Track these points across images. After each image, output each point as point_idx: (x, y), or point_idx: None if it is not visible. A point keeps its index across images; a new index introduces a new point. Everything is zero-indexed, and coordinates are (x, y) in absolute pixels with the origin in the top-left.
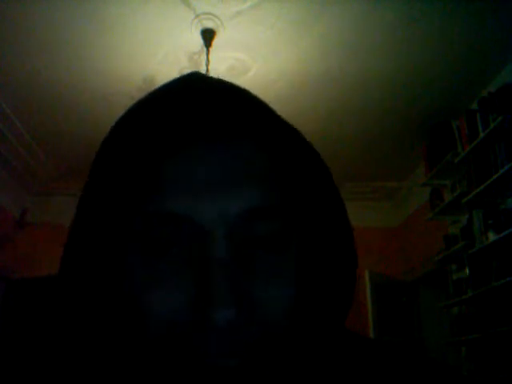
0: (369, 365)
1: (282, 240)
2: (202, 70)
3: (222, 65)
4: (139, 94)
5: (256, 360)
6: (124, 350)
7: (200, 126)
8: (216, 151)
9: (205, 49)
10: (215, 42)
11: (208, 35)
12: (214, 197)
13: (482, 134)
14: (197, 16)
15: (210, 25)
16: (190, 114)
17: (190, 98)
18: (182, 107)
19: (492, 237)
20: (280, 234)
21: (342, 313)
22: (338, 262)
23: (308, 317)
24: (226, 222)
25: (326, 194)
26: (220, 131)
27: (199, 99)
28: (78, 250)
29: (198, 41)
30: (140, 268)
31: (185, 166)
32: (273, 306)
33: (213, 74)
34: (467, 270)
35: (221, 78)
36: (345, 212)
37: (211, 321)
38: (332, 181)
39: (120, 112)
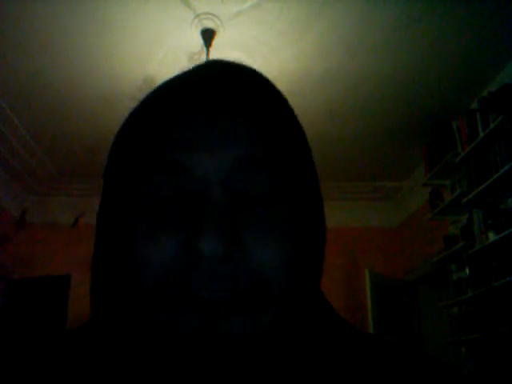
0: (368, 359)
1: (274, 196)
2: None
3: None
4: (139, 94)
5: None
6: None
7: (204, 97)
8: (215, 116)
9: (205, 49)
10: (215, 42)
11: (208, 35)
12: (209, 150)
13: (481, 134)
14: (197, 16)
15: (210, 25)
16: (199, 89)
17: (203, 79)
18: (193, 86)
19: (492, 237)
20: (272, 189)
21: (317, 274)
22: (312, 224)
23: (294, 274)
24: (219, 169)
25: (303, 160)
26: (220, 102)
27: (210, 77)
28: (105, 214)
29: (198, 41)
30: (142, 221)
31: (185, 128)
32: (263, 255)
33: None
34: (467, 270)
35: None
36: (316, 177)
37: (199, 254)
38: (309, 149)
39: (120, 112)
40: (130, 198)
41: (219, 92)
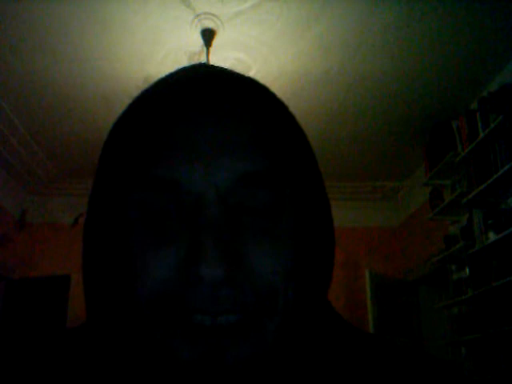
0: (368, 358)
1: (274, 207)
2: None
3: (222, 65)
4: None
5: (250, 323)
6: (121, 317)
7: (198, 104)
8: (210, 125)
9: (205, 49)
10: (215, 41)
11: (208, 35)
12: (205, 164)
13: (482, 134)
14: (197, 16)
15: (210, 25)
16: (190, 94)
17: (192, 82)
18: (183, 89)
19: (492, 237)
20: (272, 201)
21: (324, 283)
22: (319, 232)
23: (299, 283)
24: (216, 187)
25: (308, 168)
26: (215, 109)
27: (200, 82)
28: (94, 225)
29: (198, 41)
30: (140, 236)
31: (179, 139)
32: (266, 268)
33: None
34: (467, 270)
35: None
36: (322, 183)
37: (199, 278)
38: (313, 155)
39: (120, 112)
40: (122, 196)
41: (218, 92)
